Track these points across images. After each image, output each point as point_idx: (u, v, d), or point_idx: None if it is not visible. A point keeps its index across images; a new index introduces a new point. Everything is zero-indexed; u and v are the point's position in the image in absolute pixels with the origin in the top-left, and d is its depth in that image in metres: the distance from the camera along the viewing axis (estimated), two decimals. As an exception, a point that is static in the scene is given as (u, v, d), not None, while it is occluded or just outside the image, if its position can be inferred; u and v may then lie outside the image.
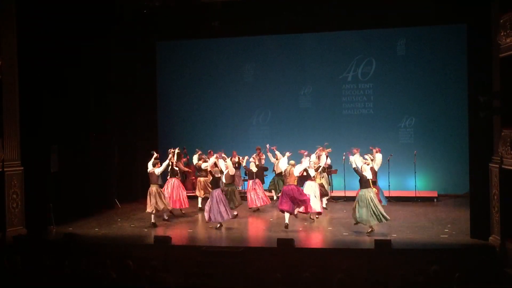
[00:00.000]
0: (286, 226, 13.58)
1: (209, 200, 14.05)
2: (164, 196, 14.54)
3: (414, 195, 17.23)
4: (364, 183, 12.94)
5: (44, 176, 14.19)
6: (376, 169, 14.30)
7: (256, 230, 14.39)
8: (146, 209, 14.38)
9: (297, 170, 13.69)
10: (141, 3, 16.53)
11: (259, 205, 15.92)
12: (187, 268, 11.30)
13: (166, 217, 14.95)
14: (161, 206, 14.31)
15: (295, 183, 13.69)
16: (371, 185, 13.00)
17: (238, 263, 11.27)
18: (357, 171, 13.05)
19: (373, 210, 12.70)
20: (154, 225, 14.28)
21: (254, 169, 16.28)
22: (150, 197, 14.24)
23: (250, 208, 15.90)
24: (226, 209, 13.77)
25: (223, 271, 10.86)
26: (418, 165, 17.32)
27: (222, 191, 14.23)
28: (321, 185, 15.14)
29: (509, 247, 11.21)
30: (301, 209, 13.96)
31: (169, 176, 15.62)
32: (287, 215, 13.66)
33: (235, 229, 14.05)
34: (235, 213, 14.89)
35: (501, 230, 11.51)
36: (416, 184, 17.28)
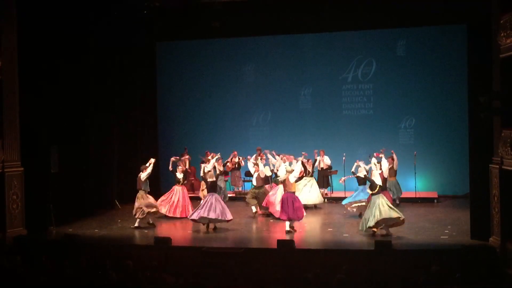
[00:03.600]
0: (287, 232, 13.39)
1: (207, 201, 13.76)
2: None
3: (414, 196, 17.20)
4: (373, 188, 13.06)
5: (44, 176, 14.16)
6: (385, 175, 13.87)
7: (256, 231, 14.39)
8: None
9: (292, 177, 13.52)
10: (141, 3, 16.52)
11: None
12: (187, 269, 11.27)
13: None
14: None
15: (294, 191, 13.57)
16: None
17: (238, 264, 11.24)
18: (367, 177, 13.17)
19: (373, 213, 12.76)
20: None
21: (268, 173, 15.78)
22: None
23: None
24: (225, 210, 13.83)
25: (223, 272, 10.83)
26: (418, 165, 17.30)
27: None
28: None
29: (510, 248, 11.20)
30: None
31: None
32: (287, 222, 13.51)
33: (235, 230, 14.04)
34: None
35: (501, 231, 11.50)
36: (416, 185, 17.26)
